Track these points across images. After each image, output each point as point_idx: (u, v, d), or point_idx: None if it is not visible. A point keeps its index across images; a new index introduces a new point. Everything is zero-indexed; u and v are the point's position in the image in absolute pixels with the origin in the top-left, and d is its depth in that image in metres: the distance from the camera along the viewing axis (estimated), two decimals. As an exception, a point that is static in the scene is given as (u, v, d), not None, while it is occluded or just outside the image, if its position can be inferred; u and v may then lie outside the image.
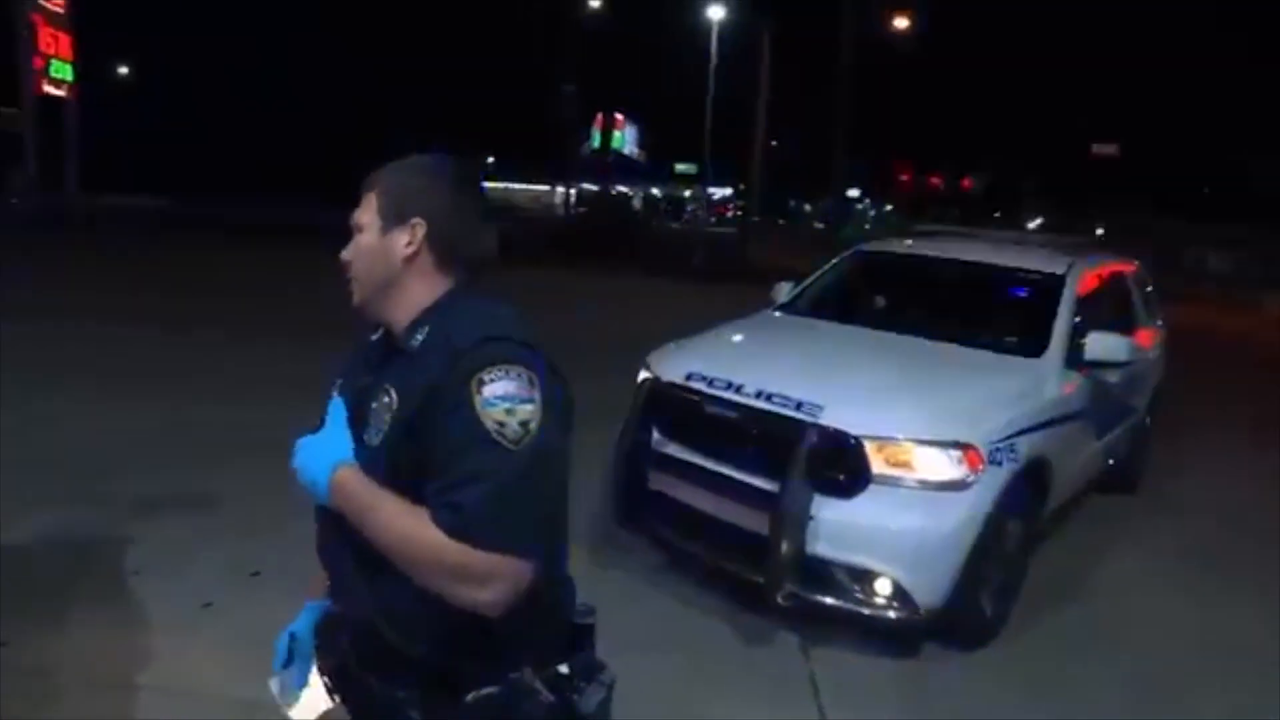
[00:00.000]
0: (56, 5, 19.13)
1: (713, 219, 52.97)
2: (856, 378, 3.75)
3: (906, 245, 5.33)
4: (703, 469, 3.62)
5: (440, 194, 1.33)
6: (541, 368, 1.21)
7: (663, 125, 54.43)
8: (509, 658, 1.23)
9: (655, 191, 64.23)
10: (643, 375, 4.04)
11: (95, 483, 4.62)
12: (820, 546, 3.24)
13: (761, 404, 3.51)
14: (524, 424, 1.14)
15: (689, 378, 3.82)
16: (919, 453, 3.26)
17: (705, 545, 3.70)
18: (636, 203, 56.94)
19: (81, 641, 3.16)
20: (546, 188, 56.61)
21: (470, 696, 1.22)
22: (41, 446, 5.10)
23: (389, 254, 1.31)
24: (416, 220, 1.31)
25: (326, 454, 1.25)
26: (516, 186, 59.76)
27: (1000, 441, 3.35)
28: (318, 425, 1.33)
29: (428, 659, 1.22)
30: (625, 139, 60.01)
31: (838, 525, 3.23)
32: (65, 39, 19.51)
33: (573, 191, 49.16)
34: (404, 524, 1.16)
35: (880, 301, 4.99)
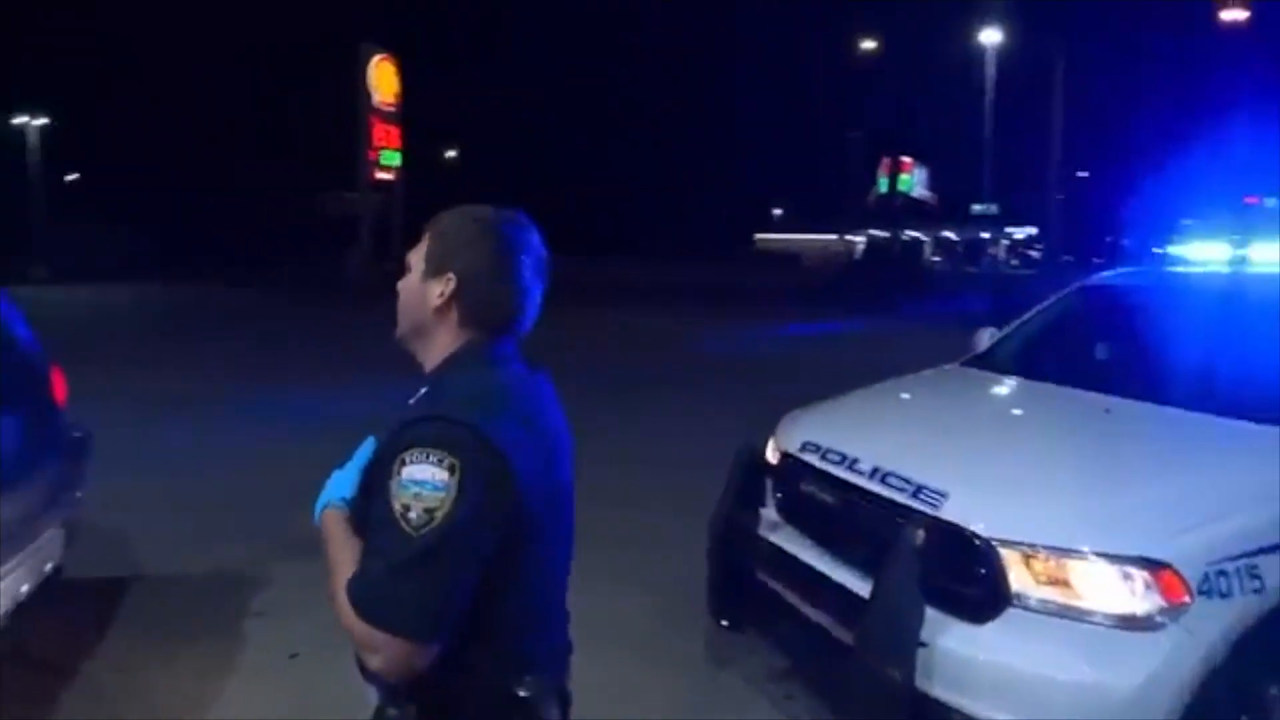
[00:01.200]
0: (389, 105, 22.61)
1: (1014, 261, 48.22)
2: (1014, 456, 2.79)
3: (1149, 274, 4.08)
4: (803, 563, 2.89)
5: (482, 253, 1.34)
6: (469, 451, 1.18)
7: (957, 165, 50.98)
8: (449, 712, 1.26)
9: (950, 235, 60.14)
10: (771, 446, 3.40)
11: (275, 518, 4.97)
12: (936, 686, 2.37)
13: (874, 485, 2.72)
14: (429, 511, 1.15)
15: (803, 448, 3.12)
16: (1082, 570, 2.28)
17: (813, 658, 2.95)
18: (929, 247, 53.68)
19: (170, 680, 3.30)
20: (834, 236, 55.62)
21: None
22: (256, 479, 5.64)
23: (423, 301, 1.35)
24: (450, 275, 1.33)
25: (329, 491, 1.34)
26: (802, 237, 59.45)
27: (1226, 561, 2.24)
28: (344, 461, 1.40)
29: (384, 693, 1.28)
30: (914, 181, 57.04)
31: (960, 660, 2.35)
32: (395, 131, 22.96)
33: (858, 239, 47.62)
34: (343, 574, 1.22)
35: (1103, 351, 3.82)
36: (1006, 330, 4.15)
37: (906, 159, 54.91)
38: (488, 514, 1.19)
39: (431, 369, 1.37)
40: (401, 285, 1.40)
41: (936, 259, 53.79)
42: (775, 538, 3.10)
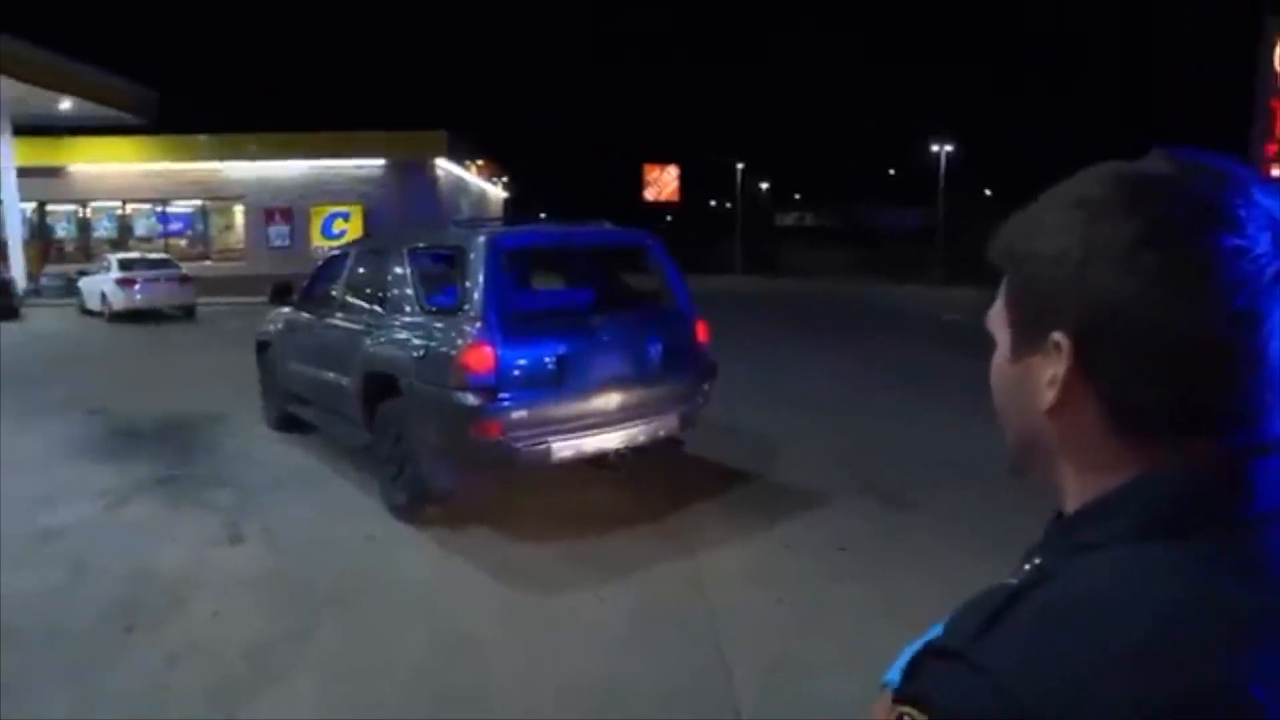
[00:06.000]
0: (1299, 85, 18.93)
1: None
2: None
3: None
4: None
5: (1116, 271, 0.57)
6: None
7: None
8: None
9: None
10: None
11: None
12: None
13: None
14: None
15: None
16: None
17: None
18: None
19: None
20: None
21: None
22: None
23: (1022, 393, 0.65)
24: (1059, 338, 0.61)
25: (895, 666, 0.76)
26: None
27: None
28: None
29: None
30: None
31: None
32: (1305, 117, 19.11)
33: None
34: None
35: None
36: None
37: None
38: None
39: (1071, 516, 0.64)
40: (993, 367, 0.70)
41: None
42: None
